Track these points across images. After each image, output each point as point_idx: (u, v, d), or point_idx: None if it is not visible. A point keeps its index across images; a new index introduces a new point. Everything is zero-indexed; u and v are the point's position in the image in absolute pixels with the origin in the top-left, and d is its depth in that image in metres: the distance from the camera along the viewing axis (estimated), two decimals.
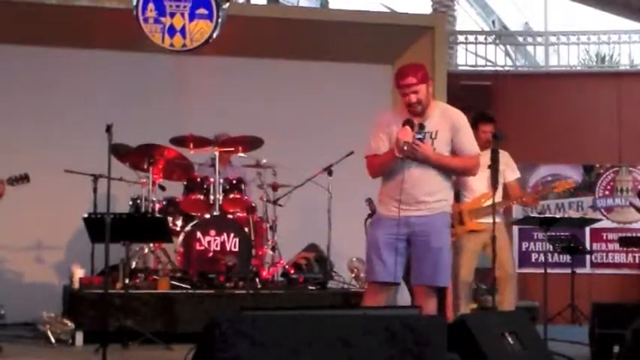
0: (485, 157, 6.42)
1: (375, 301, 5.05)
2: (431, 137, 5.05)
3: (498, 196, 6.63)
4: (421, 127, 5.01)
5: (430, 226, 5.03)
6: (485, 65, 10.67)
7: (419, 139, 4.97)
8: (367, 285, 5.30)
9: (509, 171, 6.78)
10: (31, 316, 7.20)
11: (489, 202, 6.42)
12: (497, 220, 6.29)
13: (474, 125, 6.70)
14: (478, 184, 6.44)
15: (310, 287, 7.60)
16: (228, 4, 7.81)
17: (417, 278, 5.09)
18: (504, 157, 6.73)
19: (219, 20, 7.66)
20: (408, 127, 4.95)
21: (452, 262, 6.72)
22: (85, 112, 8.73)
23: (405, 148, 4.91)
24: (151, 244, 7.55)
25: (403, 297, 6.77)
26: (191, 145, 7.85)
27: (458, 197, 6.76)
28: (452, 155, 5.12)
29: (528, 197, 7.19)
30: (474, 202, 6.62)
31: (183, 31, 7.68)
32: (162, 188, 7.99)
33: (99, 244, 6.52)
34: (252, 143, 7.96)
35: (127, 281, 6.85)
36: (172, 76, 9.22)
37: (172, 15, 7.67)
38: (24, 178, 6.77)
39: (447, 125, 5.10)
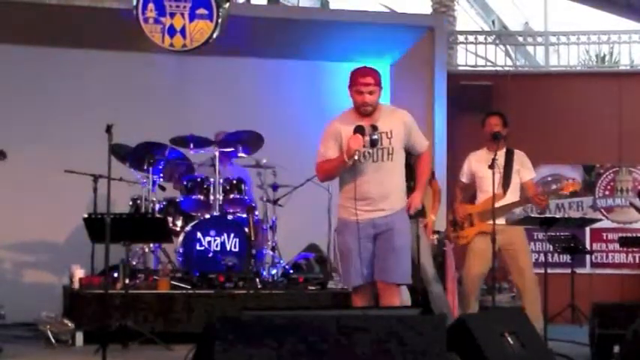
0: (489, 156, 6.41)
1: (364, 304, 5.19)
2: (387, 136, 5.20)
3: (515, 196, 6.65)
4: (374, 128, 5.16)
5: (393, 225, 5.19)
6: (486, 65, 10.65)
7: (374, 139, 5.12)
8: (352, 291, 5.34)
9: (525, 171, 6.77)
10: (31, 316, 7.20)
11: (501, 203, 6.45)
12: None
13: (483, 123, 6.76)
14: (490, 183, 6.36)
15: (310, 287, 7.60)
16: (228, 4, 7.82)
17: (379, 274, 5.21)
18: (519, 156, 6.75)
19: (219, 20, 7.66)
20: (359, 135, 5.07)
21: (464, 262, 6.79)
22: (85, 112, 8.74)
23: (356, 157, 5.08)
24: (151, 244, 7.55)
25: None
26: (191, 145, 7.85)
27: (473, 199, 6.80)
28: (404, 151, 5.30)
29: (538, 197, 6.84)
30: (485, 203, 6.59)
31: (183, 31, 7.69)
32: (162, 188, 7.99)
33: (99, 244, 6.53)
34: (252, 141, 7.96)
35: (127, 281, 6.85)
36: (172, 76, 9.22)
37: (172, 15, 7.68)
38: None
39: (400, 124, 5.26)
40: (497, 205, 6.38)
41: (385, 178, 5.19)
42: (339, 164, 5.20)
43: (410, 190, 5.42)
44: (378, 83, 5.23)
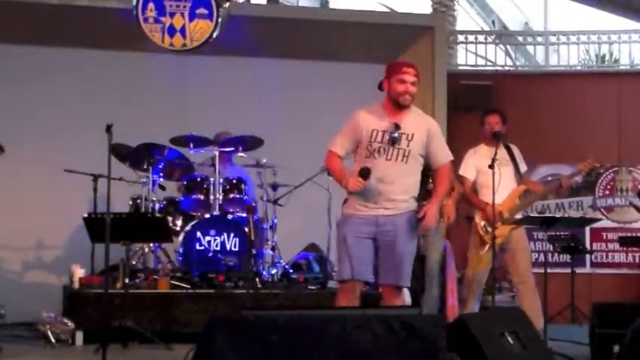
0: (491, 153, 6.38)
1: (348, 300, 5.12)
2: (407, 139, 5.14)
3: (508, 192, 6.65)
4: (397, 127, 5.11)
5: (396, 226, 5.11)
6: (486, 65, 10.65)
7: (394, 137, 5.07)
8: (338, 285, 5.33)
9: (522, 164, 6.82)
10: (31, 316, 7.19)
11: (523, 198, 6.57)
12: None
13: (481, 122, 6.76)
14: (497, 180, 6.28)
15: (310, 287, 7.61)
16: (228, 4, 7.83)
17: (382, 277, 5.19)
18: (516, 150, 6.76)
19: (219, 20, 7.68)
20: (360, 180, 5.03)
21: (465, 261, 6.80)
22: (85, 112, 8.73)
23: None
24: (151, 244, 7.55)
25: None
26: (191, 145, 7.85)
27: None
28: (423, 159, 5.22)
29: (566, 181, 6.92)
30: (511, 199, 6.60)
31: (183, 30, 7.70)
32: (163, 188, 7.99)
33: (99, 244, 6.53)
34: (252, 143, 7.97)
35: (127, 281, 6.85)
36: (172, 76, 9.22)
37: (172, 15, 7.69)
38: None
39: (424, 130, 5.20)
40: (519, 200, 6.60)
41: (394, 178, 5.11)
42: (337, 179, 5.23)
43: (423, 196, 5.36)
44: (419, 78, 5.20)
